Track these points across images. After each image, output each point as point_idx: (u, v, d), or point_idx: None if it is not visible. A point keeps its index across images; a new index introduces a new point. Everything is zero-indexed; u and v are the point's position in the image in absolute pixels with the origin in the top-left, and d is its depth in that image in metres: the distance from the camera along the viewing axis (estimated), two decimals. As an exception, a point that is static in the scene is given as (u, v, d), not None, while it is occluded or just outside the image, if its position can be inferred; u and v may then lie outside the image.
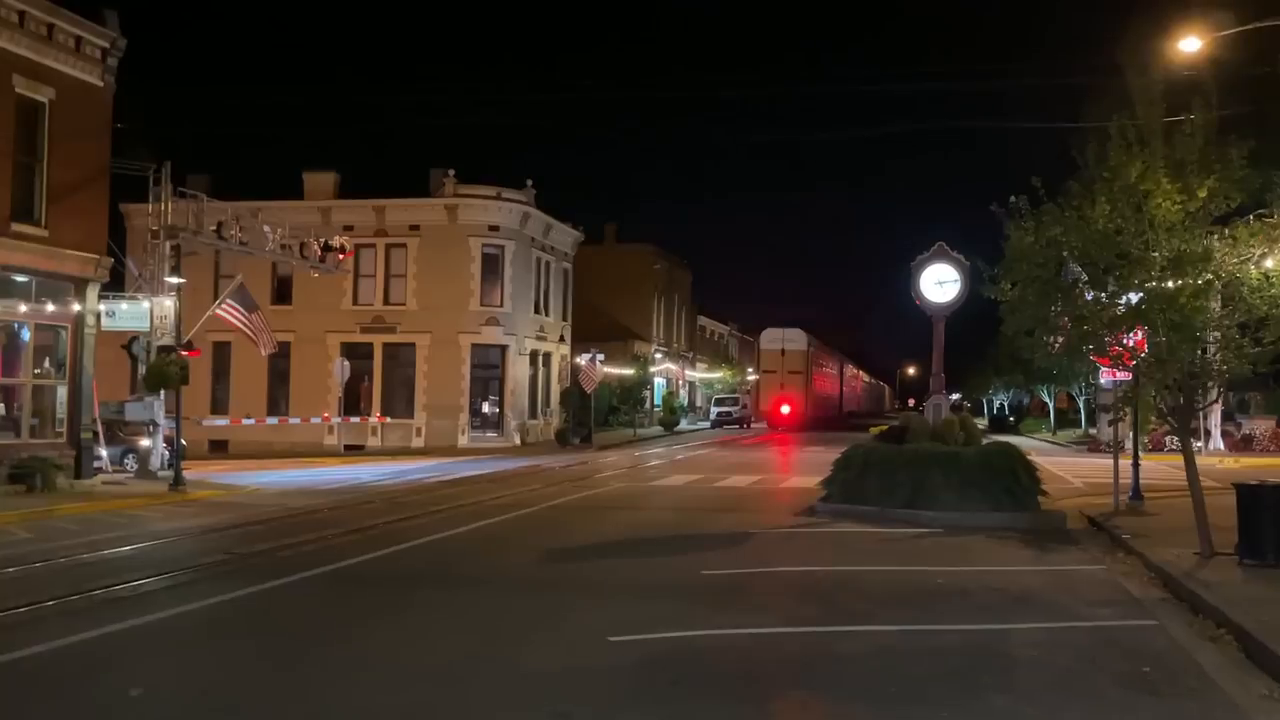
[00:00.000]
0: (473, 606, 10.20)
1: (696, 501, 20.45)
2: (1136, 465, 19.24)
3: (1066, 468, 30.23)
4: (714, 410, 69.61)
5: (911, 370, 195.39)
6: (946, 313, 18.82)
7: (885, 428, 19.53)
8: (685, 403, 71.71)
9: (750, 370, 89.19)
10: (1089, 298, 13.17)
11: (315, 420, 39.19)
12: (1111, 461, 32.90)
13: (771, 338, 69.32)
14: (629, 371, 56.43)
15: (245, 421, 37.42)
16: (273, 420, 38.95)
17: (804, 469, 28.77)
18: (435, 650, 8.43)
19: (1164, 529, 15.27)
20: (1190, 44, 19.25)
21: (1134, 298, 13.53)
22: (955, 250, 18.93)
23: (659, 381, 65.45)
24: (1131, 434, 19.98)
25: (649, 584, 11.33)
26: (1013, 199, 13.68)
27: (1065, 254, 13.40)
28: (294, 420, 38.62)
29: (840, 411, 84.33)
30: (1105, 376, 41.95)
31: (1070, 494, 21.28)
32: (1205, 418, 32.59)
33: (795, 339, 69.42)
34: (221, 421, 38.62)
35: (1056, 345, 19.68)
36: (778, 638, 8.92)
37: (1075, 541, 15.24)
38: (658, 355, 64.08)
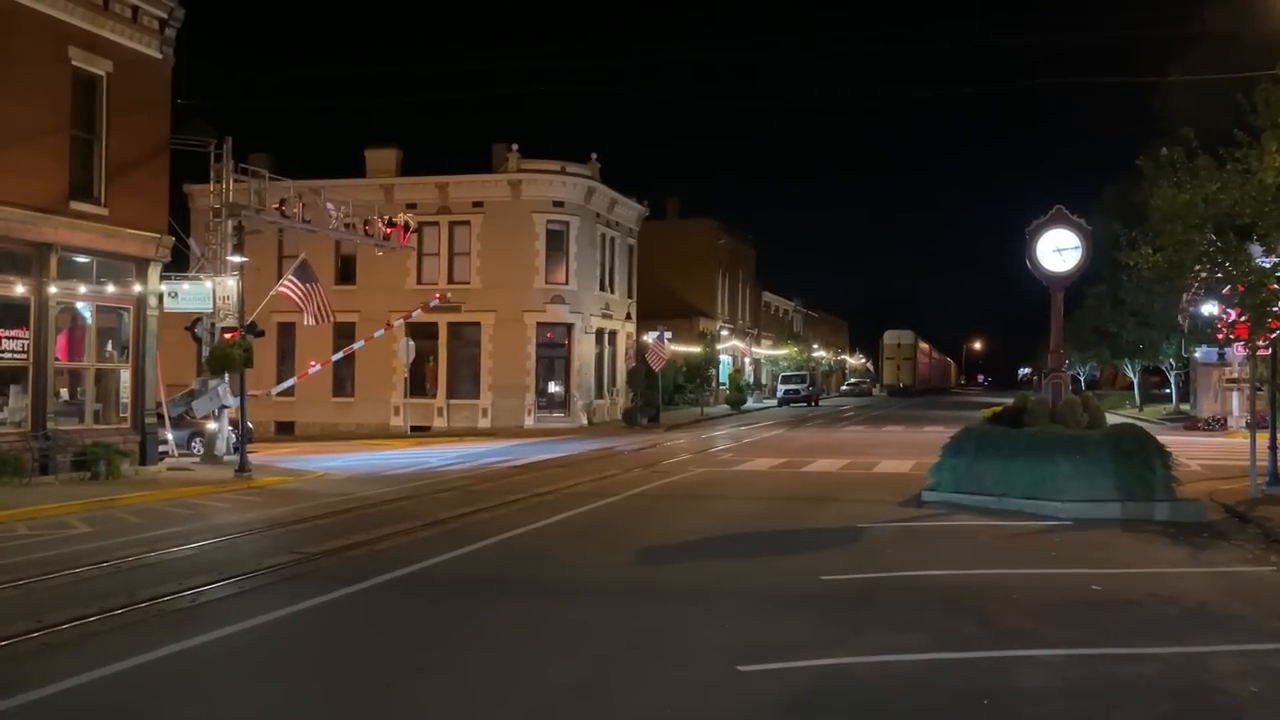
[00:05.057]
0: (570, 623, 8.96)
1: (787, 489, 19.08)
2: (1274, 447, 17.57)
3: (1174, 448, 28.33)
4: (781, 388, 68.13)
5: (978, 345, 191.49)
6: (1066, 283, 17.10)
7: (999, 409, 17.91)
8: (751, 380, 70.15)
9: (816, 346, 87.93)
10: (1262, 261, 11.54)
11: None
12: (1222, 440, 31.37)
13: (891, 336, 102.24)
14: (695, 349, 55.05)
15: (312, 369, 33.76)
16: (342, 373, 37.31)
17: (890, 451, 27.33)
18: (536, 685, 7.20)
19: (1323, 521, 13.71)
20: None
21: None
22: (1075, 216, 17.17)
23: (724, 359, 63.94)
24: (1270, 413, 18.27)
25: (764, 593, 10.01)
26: (1164, 151, 12.09)
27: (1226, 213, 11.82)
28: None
29: (930, 384, 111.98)
30: (1205, 349, 39.26)
31: (1190, 478, 19.51)
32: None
33: (906, 337, 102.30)
34: (288, 382, 35.86)
35: (1185, 324, 18.00)
36: (938, 666, 7.54)
37: (1224, 536, 13.67)
38: (723, 332, 62.50)
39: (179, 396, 25.19)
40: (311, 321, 27.66)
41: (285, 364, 41.89)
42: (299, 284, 25.72)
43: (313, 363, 34.23)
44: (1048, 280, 17.07)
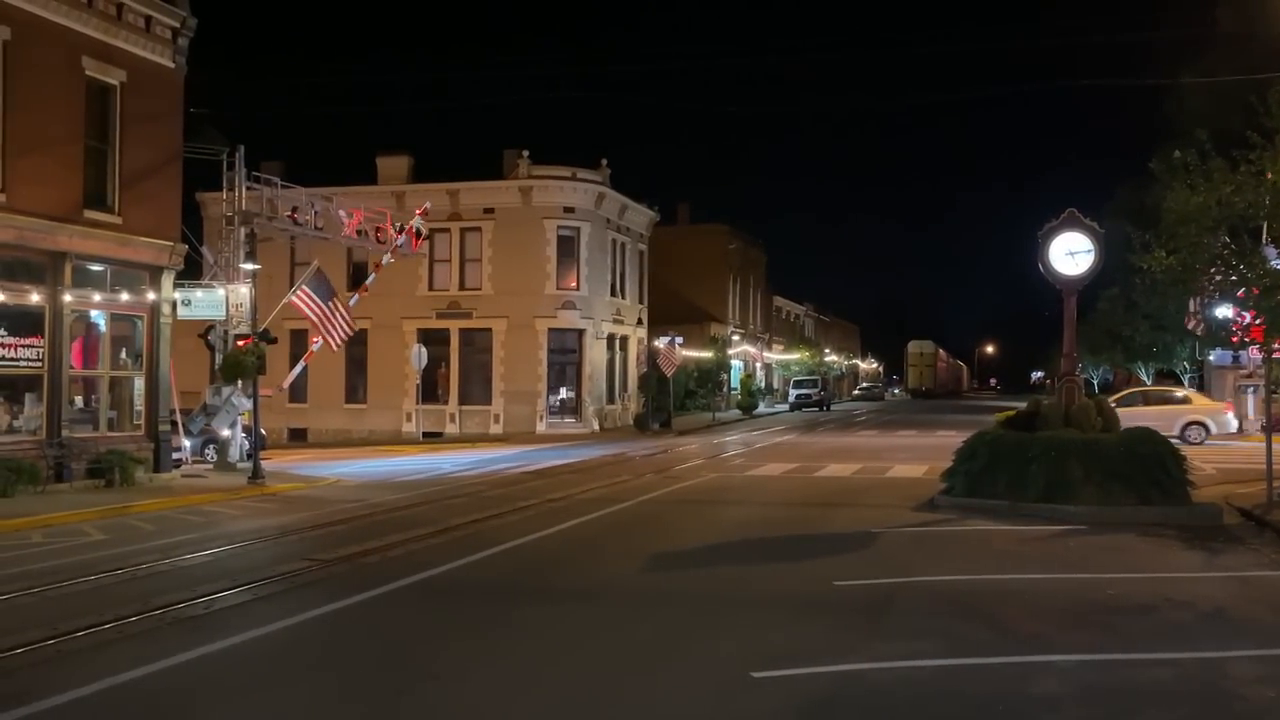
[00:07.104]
0: (583, 631, 8.96)
1: (801, 494, 19.04)
2: (1290, 451, 17.41)
3: (1188, 451, 28.12)
4: (793, 392, 68.09)
5: (990, 349, 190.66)
6: (1079, 286, 17.01)
7: (1012, 413, 17.83)
8: (762, 385, 70.07)
9: (828, 351, 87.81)
10: (1276, 264, 11.47)
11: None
12: (1237, 443, 31.11)
13: (915, 345, 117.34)
14: (706, 354, 55.04)
15: (314, 345, 33.66)
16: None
17: (903, 455, 27.24)
18: (548, 692, 7.20)
19: (1340, 525, 13.60)
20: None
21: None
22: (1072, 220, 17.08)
23: (736, 364, 63.90)
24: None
25: (778, 598, 9.98)
26: (1177, 153, 12.05)
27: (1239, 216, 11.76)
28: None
29: (946, 388, 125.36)
30: (1220, 353, 39.03)
31: (1206, 481, 19.39)
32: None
33: (928, 347, 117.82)
34: (296, 369, 35.14)
35: (1200, 328, 17.88)
36: (953, 673, 7.50)
37: (1240, 540, 13.57)
38: (734, 337, 62.52)
39: (196, 413, 25.20)
40: (334, 345, 27.26)
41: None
42: (317, 301, 25.56)
43: (314, 339, 33.68)
44: (1060, 283, 16.99)
